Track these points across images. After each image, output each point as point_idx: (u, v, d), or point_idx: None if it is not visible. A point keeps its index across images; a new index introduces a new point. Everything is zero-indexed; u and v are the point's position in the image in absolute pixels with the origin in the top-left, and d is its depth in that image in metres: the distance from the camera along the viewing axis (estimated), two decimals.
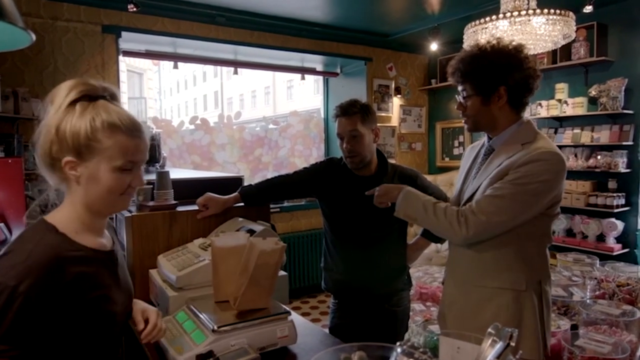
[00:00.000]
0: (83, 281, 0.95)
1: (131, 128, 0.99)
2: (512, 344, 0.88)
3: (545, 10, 2.42)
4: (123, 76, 4.44)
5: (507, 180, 1.41)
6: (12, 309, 0.84)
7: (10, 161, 2.88)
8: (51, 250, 0.91)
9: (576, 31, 2.76)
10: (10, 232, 2.81)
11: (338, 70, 5.60)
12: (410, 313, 2.19)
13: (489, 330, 0.92)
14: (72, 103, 0.94)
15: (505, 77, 1.46)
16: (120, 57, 4.04)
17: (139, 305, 1.23)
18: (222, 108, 25.08)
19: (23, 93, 3.34)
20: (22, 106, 3.31)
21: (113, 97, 1.01)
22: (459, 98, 1.56)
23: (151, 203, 1.89)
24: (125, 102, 7.93)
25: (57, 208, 1.02)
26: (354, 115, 1.90)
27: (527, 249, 1.47)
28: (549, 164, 1.39)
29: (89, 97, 0.95)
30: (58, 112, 0.93)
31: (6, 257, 0.90)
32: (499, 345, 0.88)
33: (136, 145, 1.00)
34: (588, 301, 2.11)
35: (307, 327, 1.59)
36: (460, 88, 1.54)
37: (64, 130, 0.93)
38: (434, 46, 4.70)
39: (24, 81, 3.50)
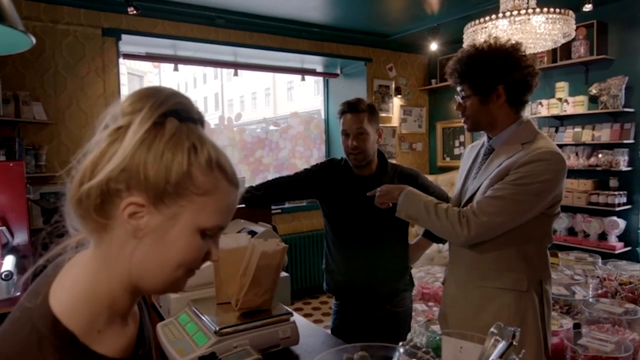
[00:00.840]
0: None
1: (234, 175, 0.67)
2: (515, 343, 0.88)
3: (545, 9, 2.42)
4: (124, 79, 4.43)
5: (507, 180, 1.40)
6: None
7: (11, 165, 2.88)
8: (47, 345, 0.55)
9: (576, 30, 2.76)
10: (12, 235, 2.82)
11: (338, 71, 5.60)
12: (413, 313, 2.18)
13: (492, 329, 0.92)
14: (160, 122, 0.61)
15: (503, 76, 1.46)
16: (121, 60, 4.05)
17: None
18: (223, 110, 25.07)
19: (24, 97, 3.35)
20: (23, 110, 3.32)
21: (203, 124, 0.68)
22: (458, 98, 1.56)
23: None
24: None
25: (70, 274, 0.64)
26: (361, 112, 1.90)
27: (527, 249, 1.47)
28: (549, 164, 1.39)
29: (180, 116, 0.63)
30: (136, 131, 0.60)
31: None
32: (502, 345, 0.88)
33: (234, 201, 0.68)
34: (590, 300, 2.11)
35: (309, 328, 1.58)
36: (458, 88, 1.53)
37: (144, 160, 0.59)
38: (433, 46, 4.70)
39: (24, 85, 3.50)
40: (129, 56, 4.38)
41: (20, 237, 2.80)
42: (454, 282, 1.63)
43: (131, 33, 3.94)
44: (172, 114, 0.62)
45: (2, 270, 2.35)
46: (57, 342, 0.56)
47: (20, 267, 2.46)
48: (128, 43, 4.10)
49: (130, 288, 0.64)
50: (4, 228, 2.75)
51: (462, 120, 1.58)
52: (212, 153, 0.63)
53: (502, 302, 1.47)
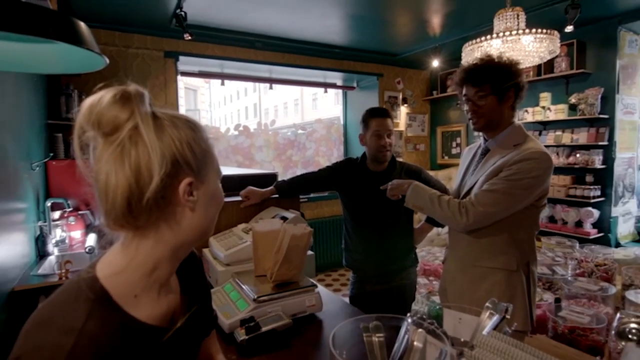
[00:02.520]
0: None
1: None
2: (508, 316, 0.84)
3: (533, 30, 2.31)
4: (181, 92, 4.48)
5: (501, 176, 1.35)
6: None
7: None
8: (97, 348, 0.51)
9: (559, 48, 2.63)
10: (95, 217, 2.88)
11: (355, 85, 5.53)
12: (417, 286, 2.14)
13: (487, 304, 0.88)
14: (153, 113, 0.57)
15: (515, 80, 1.40)
16: (179, 77, 4.09)
17: None
18: (260, 117, 25.22)
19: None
20: None
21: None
22: (466, 105, 1.46)
23: None
24: (184, 113, 8.03)
25: (115, 252, 0.60)
26: (388, 118, 1.90)
27: (518, 235, 1.41)
28: (538, 162, 1.33)
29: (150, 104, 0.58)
30: (147, 129, 0.54)
31: (36, 349, 0.51)
32: (496, 318, 0.84)
33: None
34: (569, 278, 2.03)
35: (330, 297, 1.57)
36: (473, 91, 1.42)
37: (175, 146, 0.56)
38: (435, 63, 4.58)
39: None
40: (185, 74, 4.41)
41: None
42: (453, 262, 1.58)
43: (187, 55, 3.97)
44: (150, 106, 0.57)
45: (87, 245, 2.42)
46: (92, 295, 0.54)
47: (101, 244, 2.51)
48: (184, 63, 4.14)
49: (173, 255, 0.61)
50: (88, 212, 2.82)
51: (473, 120, 1.46)
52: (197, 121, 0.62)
53: (495, 280, 1.42)
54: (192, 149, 0.57)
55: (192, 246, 0.65)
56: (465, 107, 1.47)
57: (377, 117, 1.89)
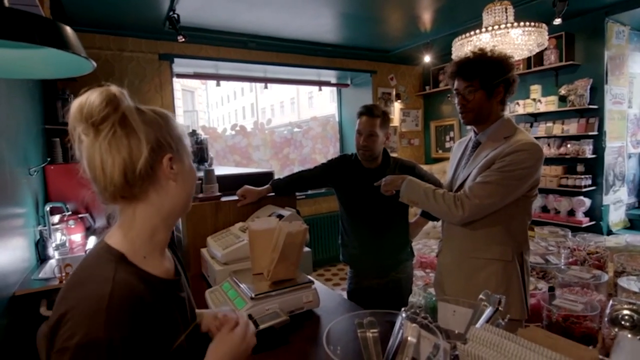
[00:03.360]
0: (159, 323, 0.65)
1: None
2: (501, 308, 0.83)
3: (522, 23, 2.30)
4: (178, 94, 4.45)
5: (494, 168, 1.34)
6: (129, 356, 0.58)
7: None
8: (131, 291, 0.62)
9: (547, 40, 2.62)
10: (94, 220, 2.87)
11: (348, 82, 5.50)
12: (413, 278, 2.14)
13: (480, 296, 0.87)
14: (135, 106, 0.69)
15: (505, 75, 1.39)
16: (175, 79, 4.06)
17: (208, 316, 0.88)
18: (257, 116, 25.15)
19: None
20: None
21: None
22: (456, 98, 1.45)
23: (200, 195, 1.89)
24: (181, 115, 8.00)
25: (120, 226, 0.71)
26: (375, 117, 1.83)
27: (512, 225, 1.40)
28: (529, 153, 1.32)
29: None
30: (135, 118, 0.66)
31: (78, 306, 0.59)
32: (489, 310, 0.83)
33: None
34: (562, 267, 2.02)
35: (327, 293, 1.56)
36: (463, 85, 1.41)
37: (160, 130, 0.68)
38: (427, 58, 4.57)
39: None
40: (181, 75, 4.38)
41: (100, 222, 2.85)
42: (449, 254, 1.57)
43: (181, 57, 3.94)
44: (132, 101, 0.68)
45: (87, 248, 2.40)
46: (111, 257, 0.66)
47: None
48: (179, 65, 4.10)
49: (165, 223, 0.73)
50: (87, 215, 2.80)
51: (462, 114, 1.45)
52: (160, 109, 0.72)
53: (491, 270, 1.41)
54: (169, 133, 0.70)
55: (178, 216, 0.77)
56: (456, 100, 1.46)
57: (361, 115, 1.87)
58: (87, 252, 0.73)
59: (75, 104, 0.64)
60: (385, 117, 1.87)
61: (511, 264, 1.40)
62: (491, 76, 1.38)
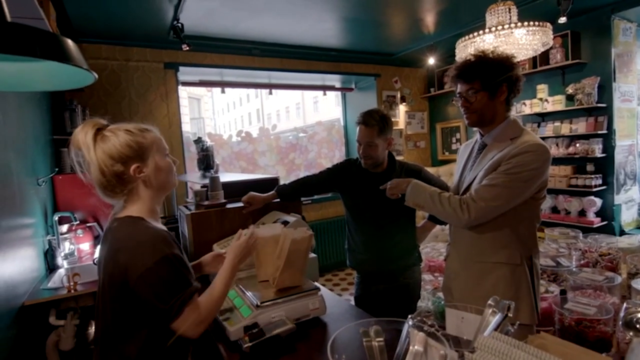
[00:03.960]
0: (181, 252, 0.99)
1: (140, 127, 1.05)
2: (510, 314, 0.81)
3: (526, 23, 2.27)
4: (185, 102, 4.49)
5: (500, 170, 1.32)
6: (182, 264, 0.95)
7: None
8: (162, 232, 0.98)
9: (553, 39, 2.59)
10: (102, 229, 2.89)
11: (353, 86, 5.50)
12: (422, 283, 2.11)
13: (489, 302, 0.85)
14: (96, 134, 0.98)
15: (507, 75, 1.36)
16: (180, 87, 4.09)
17: (207, 258, 1.33)
18: (263, 122, 25.25)
19: (107, 120, 3.42)
20: None
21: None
22: (459, 101, 1.44)
23: (206, 202, 1.89)
24: (188, 122, 8.06)
25: (127, 208, 1.02)
26: (372, 127, 1.78)
27: (520, 228, 1.38)
28: (536, 155, 1.30)
29: (99, 128, 1.00)
30: (95, 147, 0.97)
31: (139, 246, 0.92)
32: (498, 317, 0.81)
33: (154, 137, 1.06)
34: (574, 269, 1.98)
35: (334, 300, 1.54)
36: (465, 88, 1.40)
37: (115, 150, 0.97)
38: (431, 61, 4.55)
39: (107, 110, 3.59)
40: (186, 83, 4.41)
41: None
42: (456, 259, 1.54)
43: (186, 65, 3.98)
44: (98, 131, 1.00)
45: (94, 257, 2.42)
46: (138, 219, 1.00)
47: None
48: (185, 73, 4.14)
49: (155, 201, 1.06)
50: (95, 223, 2.82)
51: (465, 116, 1.44)
52: (131, 128, 1.02)
53: (499, 274, 1.38)
54: (130, 147, 0.99)
55: (162, 196, 1.08)
56: (459, 103, 1.45)
57: (358, 124, 1.84)
58: (109, 226, 1.03)
59: (73, 133, 1.00)
60: (385, 124, 1.80)
61: (520, 268, 1.37)
62: (492, 76, 1.37)
